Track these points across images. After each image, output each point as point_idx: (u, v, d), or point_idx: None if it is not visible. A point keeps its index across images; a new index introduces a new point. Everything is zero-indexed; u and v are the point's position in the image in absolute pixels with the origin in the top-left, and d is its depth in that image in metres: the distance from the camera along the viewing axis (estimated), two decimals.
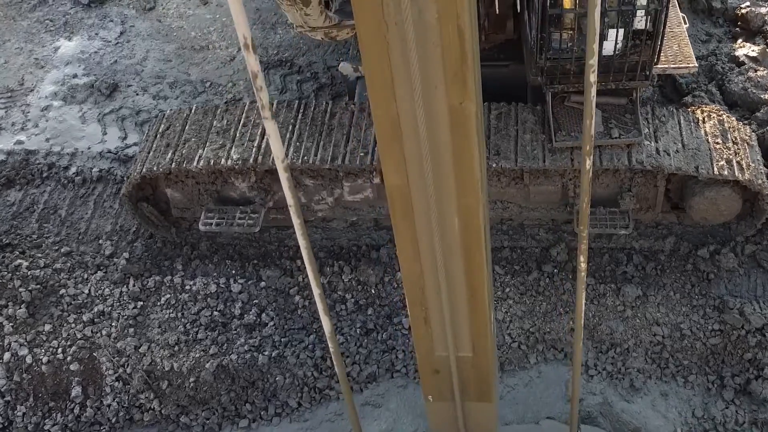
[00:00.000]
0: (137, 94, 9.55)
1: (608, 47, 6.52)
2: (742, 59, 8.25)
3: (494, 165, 6.74)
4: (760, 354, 6.61)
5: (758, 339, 6.60)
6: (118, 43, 10.31)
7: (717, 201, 6.74)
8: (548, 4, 6.20)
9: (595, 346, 6.75)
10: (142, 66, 9.94)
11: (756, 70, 7.97)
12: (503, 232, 7.49)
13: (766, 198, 6.69)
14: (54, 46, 10.36)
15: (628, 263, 7.22)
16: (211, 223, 7.37)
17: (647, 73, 6.65)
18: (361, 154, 6.95)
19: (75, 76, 9.86)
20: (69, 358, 7.12)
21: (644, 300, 6.94)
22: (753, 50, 8.32)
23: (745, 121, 7.51)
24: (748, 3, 9.00)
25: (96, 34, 10.47)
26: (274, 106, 7.47)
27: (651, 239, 7.32)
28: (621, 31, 6.42)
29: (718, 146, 6.70)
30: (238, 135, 7.28)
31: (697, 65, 7.07)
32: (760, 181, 6.59)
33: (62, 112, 9.43)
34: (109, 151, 8.85)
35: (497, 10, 6.65)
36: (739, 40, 8.64)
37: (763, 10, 8.80)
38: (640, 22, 6.36)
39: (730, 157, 6.63)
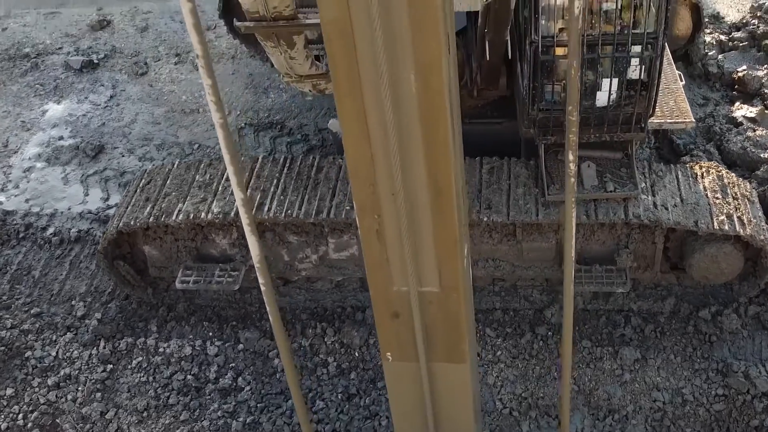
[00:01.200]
0: (123, 156, 9.35)
1: (602, 98, 6.32)
2: (740, 120, 8.08)
3: (485, 219, 6.44)
4: (767, 420, 6.16)
5: (765, 404, 6.15)
6: (107, 106, 10.18)
7: (718, 258, 6.41)
8: (540, 51, 6.02)
9: (591, 412, 6.28)
10: (130, 128, 9.78)
11: (755, 130, 7.79)
12: (495, 293, 7.14)
13: None
14: (42, 109, 10.24)
15: (626, 325, 6.83)
16: (189, 281, 7.03)
17: (642, 125, 6.43)
18: (347, 207, 6.66)
19: (61, 138, 9.70)
20: (30, 425, 6.65)
21: (643, 363, 6.52)
22: (751, 111, 8.16)
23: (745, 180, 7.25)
24: (744, 67, 8.90)
25: (85, 97, 10.36)
26: (260, 161, 7.24)
27: (650, 300, 6.95)
28: (615, 81, 6.23)
29: (717, 201, 6.42)
30: (220, 189, 7.02)
31: (694, 121, 6.87)
32: (762, 237, 6.28)
33: (45, 173, 9.21)
34: (90, 212, 8.58)
35: (488, 57, 6.47)
36: (737, 103, 8.49)
37: (760, 73, 8.69)
38: (635, 71, 6.18)
39: (731, 212, 6.34)
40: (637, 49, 6.02)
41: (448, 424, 4.67)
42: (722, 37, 9.65)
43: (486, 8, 5.78)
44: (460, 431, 4.70)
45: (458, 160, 3.59)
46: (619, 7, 6.01)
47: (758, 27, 9.51)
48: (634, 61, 6.13)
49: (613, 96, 6.29)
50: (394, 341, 4.23)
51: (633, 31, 5.96)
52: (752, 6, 10.11)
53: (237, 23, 5.78)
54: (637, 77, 6.19)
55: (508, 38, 6.40)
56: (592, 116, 6.38)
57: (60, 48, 11.44)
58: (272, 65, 9.79)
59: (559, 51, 6.12)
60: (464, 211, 3.85)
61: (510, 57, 6.90)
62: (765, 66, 8.91)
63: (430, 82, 3.15)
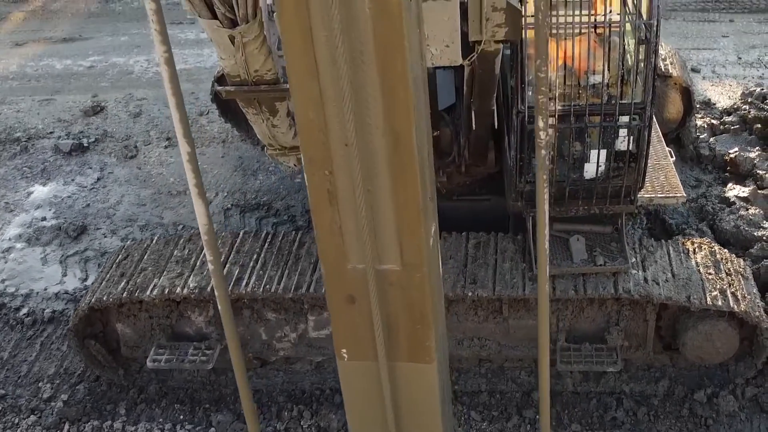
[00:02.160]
0: (105, 237, 9.16)
1: (590, 170, 6.18)
2: (732, 200, 7.94)
3: (470, 294, 6.18)
4: None
5: None
6: (93, 188, 10.07)
7: (712, 336, 6.11)
8: (526, 121, 5.91)
9: None
10: (114, 209, 9.62)
11: (747, 209, 7.63)
12: (481, 374, 6.80)
13: (765, 333, 6.07)
14: (27, 191, 10.12)
15: (617, 408, 6.46)
16: (161, 360, 6.70)
17: (632, 197, 6.26)
18: None
19: (43, 218, 9.54)
20: None
21: None
22: (744, 191, 8.03)
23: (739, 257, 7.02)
24: (736, 149, 8.82)
25: (72, 179, 10.26)
26: (240, 235, 7.05)
27: (642, 382, 6.60)
28: (603, 152, 6.10)
29: (710, 276, 6.17)
30: (198, 263, 6.79)
31: (685, 195, 6.72)
32: (757, 314, 6.00)
33: (24, 254, 9.00)
34: (66, 292, 8.33)
35: (475, 128, 6.36)
36: (729, 184, 8.36)
37: (752, 154, 8.59)
38: (623, 142, 6.05)
39: (724, 287, 6.08)
40: (625, 119, 5.92)
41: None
42: (713, 121, 9.61)
43: (470, 75, 5.71)
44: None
45: (421, 107, 3.16)
46: (606, 81, 5.95)
47: (749, 112, 9.49)
48: (623, 132, 6.02)
49: (602, 168, 6.15)
50: (350, 334, 3.67)
51: (621, 101, 5.87)
52: (743, 93, 10.14)
53: (218, 87, 5.68)
54: (626, 148, 6.07)
55: (495, 108, 6.31)
56: (581, 189, 6.22)
57: (51, 132, 11.43)
58: (263, 148, 9.75)
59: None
60: (429, 180, 3.42)
61: (497, 129, 6.80)
62: (757, 148, 8.84)
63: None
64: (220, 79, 6.33)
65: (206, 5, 4.69)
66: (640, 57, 5.79)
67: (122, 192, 9.93)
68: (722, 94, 10.49)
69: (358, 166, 3.11)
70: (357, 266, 3.42)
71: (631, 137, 6.01)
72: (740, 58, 11.65)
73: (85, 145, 10.93)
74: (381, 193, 3.20)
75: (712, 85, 10.86)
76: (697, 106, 9.56)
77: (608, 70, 5.88)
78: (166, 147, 10.81)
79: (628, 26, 5.86)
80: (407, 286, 3.43)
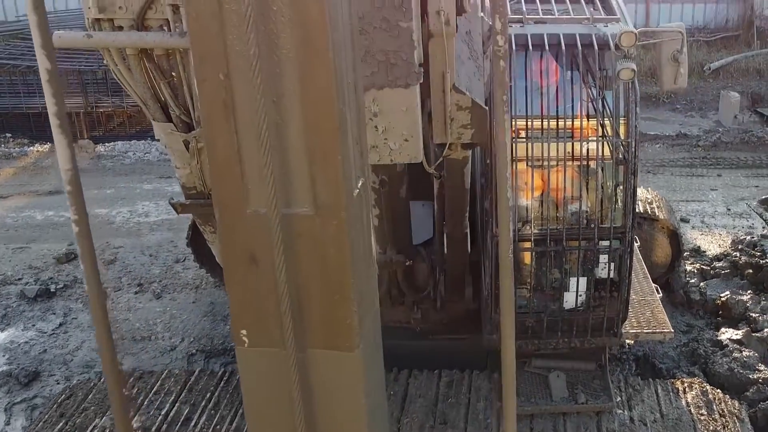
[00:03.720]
0: (58, 383, 8.54)
1: (570, 300, 5.78)
2: (725, 342, 7.47)
3: None
4: None
5: None
6: (53, 333, 9.55)
7: None
8: None
9: None
10: (72, 355, 9.06)
11: (741, 351, 7.13)
12: None
13: None
14: None
15: None
16: None
17: (615, 330, 5.80)
18: None
19: None
20: None
21: None
22: (737, 334, 7.58)
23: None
24: (727, 292, 8.41)
25: (33, 325, 9.76)
26: (195, 374, 6.52)
27: None
28: (583, 280, 5.71)
29: (702, 418, 5.60)
30: (146, 402, 6.23)
31: (672, 331, 6.27)
32: None
33: None
34: None
35: (447, 253, 5.98)
36: (722, 328, 7.89)
37: (744, 297, 8.18)
38: (604, 269, 5.67)
39: (718, 429, 5.49)
40: (605, 242, 5.57)
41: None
42: (703, 267, 9.27)
43: (440, 190, 5.43)
44: None
45: None
46: (585, 209, 5.67)
47: (740, 258, 9.17)
48: (603, 258, 5.66)
49: (582, 297, 5.75)
50: (251, 309, 2.85)
51: (600, 225, 5.55)
52: (733, 241, 9.89)
53: (172, 201, 5.33)
54: (607, 275, 5.68)
55: (468, 232, 5.98)
56: (560, 321, 5.78)
57: (20, 279, 11.05)
58: None
59: (523, 246, 5.66)
60: (354, 102, 2.72)
61: (475, 262, 6.44)
62: (749, 291, 8.45)
63: None
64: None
65: (161, 108, 4.42)
66: (619, 179, 5.54)
67: (83, 338, 9.41)
68: (712, 242, 10.23)
69: (257, 66, 2.44)
70: (259, 211, 2.69)
71: (612, 264, 5.65)
72: (729, 210, 11.52)
73: (52, 290, 10.51)
74: (288, 106, 2.55)
75: (702, 234, 10.64)
76: (687, 253, 9.27)
77: (587, 198, 5.62)
78: (136, 293, 10.40)
79: (607, 152, 5.65)
80: (321, 237, 2.67)
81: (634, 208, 5.45)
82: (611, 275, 5.64)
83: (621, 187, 5.43)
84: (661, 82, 5.62)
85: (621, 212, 5.50)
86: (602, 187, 5.58)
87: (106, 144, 16.91)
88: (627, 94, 5.33)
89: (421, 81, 3.84)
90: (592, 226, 5.49)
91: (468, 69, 4.27)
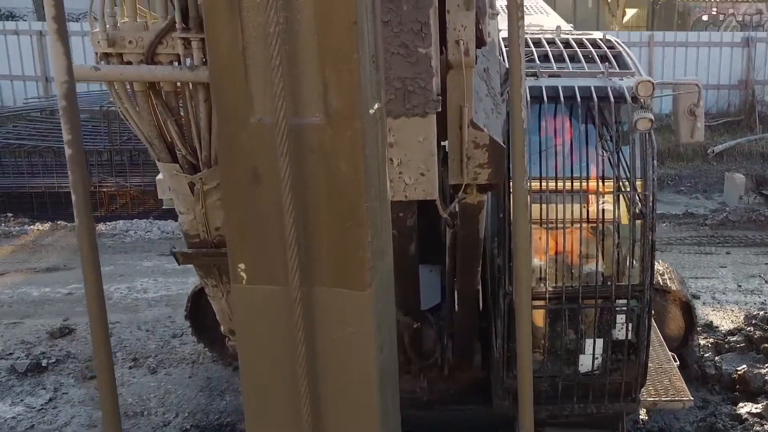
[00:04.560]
0: None
1: (586, 363, 5.51)
2: (745, 416, 7.14)
3: None
4: None
5: None
6: (42, 409, 9.20)
7: None
8: (515, 304, 5.31)
9: None
10: (60, 431, 8.69)
11: (762, 425, 6.79)
12: None
13: None
14: None
15: None
16: None
17: (633, 395, 5.50)
18: None
19: None
20: None
21: None
22: (756, 408, 7.27)
23: None
24: (744, 366, 8.10)
25: (21, 400, 9.41)
26: None
27: None
28: (599, 342, 5.45)
29: None
30: None
31: (692, 399, 5.97)
32: None
33: None
34: None
35: (457, 310, 5.72)
36: (740, 402, 7.56)
37: (762, 370, 7.88)
38: (621, 330, 5.43)
39: None
40: (622, 301, 5.34)
41: (333, 394, 2.67)
42: (717, 341, 8.99)
43: (453, 240, 5.22)
44: (358, 409, 2.69)
45: None
46: (600, 270, 5.47)
47: (754, 333, 8.90)
48: (620, 318, 5.41)
49: (598, 360, 5.48)
50: (251, 240, 2.54)
51: (617, 283, 5.34)
52: (746, 316, 9.64)
53: (174, 250, 5.09)
54: (624, 337, 5.43)
55: (480, 288, 5.75)
56: (576, 385, 5.49)
57: (11, 354, 10.73)
58: (235, 368, 8.95)
59: (536, 304, 5.43)
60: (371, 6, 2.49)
61: (484, 329, 6.18)
62: (766, 365, 8.13)
63: None
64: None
65: (167, 147, 4.25)
66: (637, 235, 5.35)
67: (73, 413, 9.04)
68: (724, 318, 9.98)
69: None
70: (264, 120, 2.43)
71: (630, 324, 5.39)
72: (740, 286, 11.31)
73: (44, 365, 10.19)
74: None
75: (713, 310, 10.40)
76: (699, 328, 9.00)
77: (602, 260, 5.42)
78: (130, 368, 10.08)
79: (623, 209, 5.48)
80: (332, 151, 2.40)
81: (652, 265, 5.24)
82: (629, 336, 5.39)
83: (639, 243, 5.23)
84: (678, 135, 5.50)
85: (639, 269, 5.29)
86: (618, 246, 5.38)
87: (107, 223, 16.80)
88: (644, 146, 5.20)
89: (439, 110, 3.69)
90: (609, 283, 5.27)
91: (486, 106, 4.12)
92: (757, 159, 17.94)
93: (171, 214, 15.79)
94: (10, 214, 17.46)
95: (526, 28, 2.91)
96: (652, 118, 4.97)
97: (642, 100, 5.05)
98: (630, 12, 30.20)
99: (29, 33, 22.63)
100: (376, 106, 2.52)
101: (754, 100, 19.92)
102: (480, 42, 3.88)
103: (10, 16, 28.46)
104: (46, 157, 17.44)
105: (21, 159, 17.67)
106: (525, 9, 2.80)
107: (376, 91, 2.54)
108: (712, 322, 9.83)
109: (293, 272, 2.46)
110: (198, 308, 9.18)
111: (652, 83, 5.05)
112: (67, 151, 2.44)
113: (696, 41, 20.40)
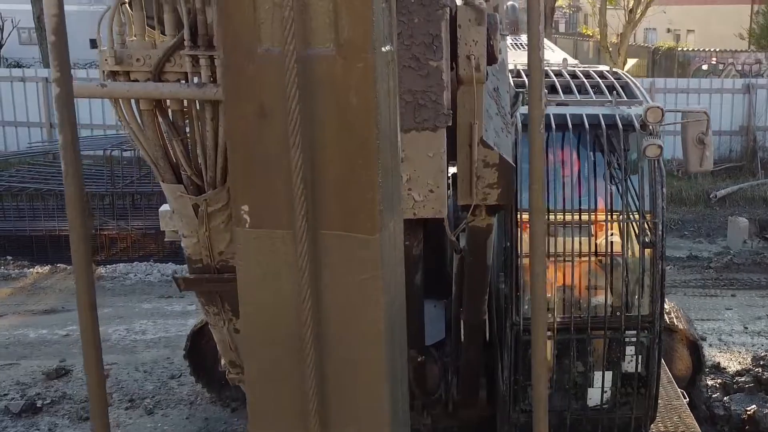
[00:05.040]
0: None
1: (594, 396, 5.37)
2: None
3: None
4: None
5: None
6: None
7: None
8: (521, 334, 5.21)
9: None
10: None
11: None
12: None
13: None
14: None
15: None
16: None
17: (644, 431, 5.34)
18: None
19: None
20: None
21: None
22: None
23: None
24: (754, 406, 7.96)
25: None
26: None
27: None
28: (608, 374, 5.32)
29: None
30: None
31: None
32: None
33: None
34: None
35: (463, 341, 5.60)
36: None
37: None
38: (630, 362, 5.30)
39: None
40: (631, 332, 5.23)
41: (339, 342, 2.53)
42: (726, 382, 8.84)
43: (460, 267, 5.12)
44: (365, 357, 2.55)
45: None
46: (608, 303, 5.37)
47: (763, 373, 8.76)
48: (630, 350, 5.29)
49: (607, 394, 5.34)
50: (256, 180, 2.40)
51: (626, 314, 5.23)
52: (754, 357, 9.51)
53: (175, 275, 4.97)
54: (634, 370, 5.30)
55: (486, 317, 5.63)
56: (584, 420, 5.34)
57: (6, 394, 10.56)
58: (233, 409, 8.77)
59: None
60: None
61: (490, 365, 6.05)
62: None
63: None
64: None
65: (171, 167, 4.17)
66: (646, 265, 5.26)
67: None
68: (731, 360, 9.86)
69: None
70: (272, 50, 2.30)
71: (640, 356, 5.27)
72: (746, 328, 11.20)
73: (39, 406, 10.03)
74: None
75: (720, 351, 10.27)
76: (706, 369, 8.86)
77: (611, 293, 5.33)
78: (126, 408, 9.90)
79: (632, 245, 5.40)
80: (343, 83, 2.27)
81: (662, 294, 5.14)
82: (639, 369, 5.26)
83: (648, 273, 5.14)
84: (687, 164, 5.45)
85: (648, 299, 5.19)
86: (627, 276, 5.29)
87: (108, 266, 16.71)
88: (652, 173, 5.15)
89: (450, 124, 3.62)
90: (618, 314, 5.17)
91: (496, 125, 4.07)
92: (759, 203, 17.93)
93: (172, 257, 15.73)
94: (9, 258, 17.40)
95: None
96: (662, 144, 4.93)
97: (651, 127, 5.01)
98: (631, 62, 30.49)
99: (35, 80, 22.80)
100: (388, 47, 2.41)
101: (755, 145, 19.99)
102: (491, 58, 3.84)
103: (17, 65, 28.76)
104: (48, 201, 17.42)
105: (23, 202, 17.66)
106: None
107: (388, 32, 2.42)
108: (719, 363, 9.70)
109: (300, 214, 2.33)
110: (197, 348, 9.07)
111: (662, 109, 5.02)
112: (55, 90, 2.32)
113: (697, 88, 20.54)
